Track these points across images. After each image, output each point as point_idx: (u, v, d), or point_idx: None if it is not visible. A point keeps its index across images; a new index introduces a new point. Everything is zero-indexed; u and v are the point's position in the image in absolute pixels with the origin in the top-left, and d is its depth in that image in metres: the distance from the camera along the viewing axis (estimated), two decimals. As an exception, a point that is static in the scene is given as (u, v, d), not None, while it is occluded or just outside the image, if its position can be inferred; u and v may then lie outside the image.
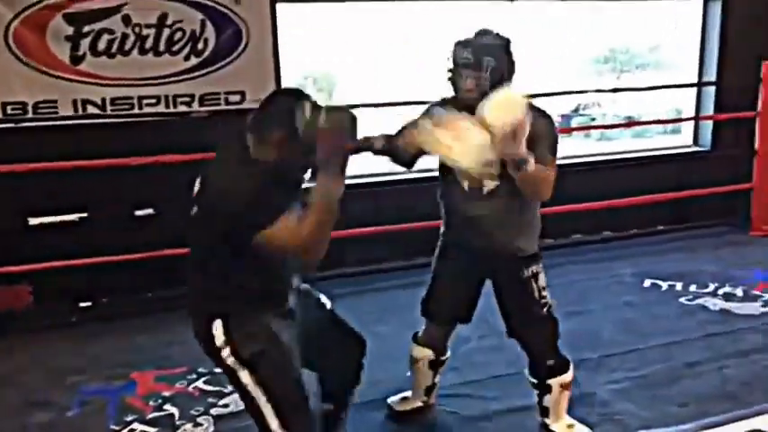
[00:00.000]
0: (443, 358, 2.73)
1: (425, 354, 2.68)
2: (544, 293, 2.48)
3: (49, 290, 3.98)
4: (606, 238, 5.19)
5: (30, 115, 4.02)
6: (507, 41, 2.27)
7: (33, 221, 3.74)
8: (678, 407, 2.77)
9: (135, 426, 2.73)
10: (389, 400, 2.81)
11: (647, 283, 4.20)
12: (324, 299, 2.23)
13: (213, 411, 2.82)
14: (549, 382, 2.52)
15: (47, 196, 3.89)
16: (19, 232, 3.84)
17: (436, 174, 2.48)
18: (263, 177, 1.76)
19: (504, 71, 2.23)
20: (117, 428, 2.72)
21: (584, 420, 2.66)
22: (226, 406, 2.82)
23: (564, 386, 2.53)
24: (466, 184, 2.34)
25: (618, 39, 7.10)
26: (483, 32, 2.28)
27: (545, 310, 2.48)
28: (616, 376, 3.04)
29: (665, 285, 4.15)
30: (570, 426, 2.59)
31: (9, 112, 4.00)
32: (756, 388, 2.90)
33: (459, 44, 2.25)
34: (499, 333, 2.71)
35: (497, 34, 2.28)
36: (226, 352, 1.87)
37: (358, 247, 4.43)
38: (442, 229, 2.57)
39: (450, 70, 2.26)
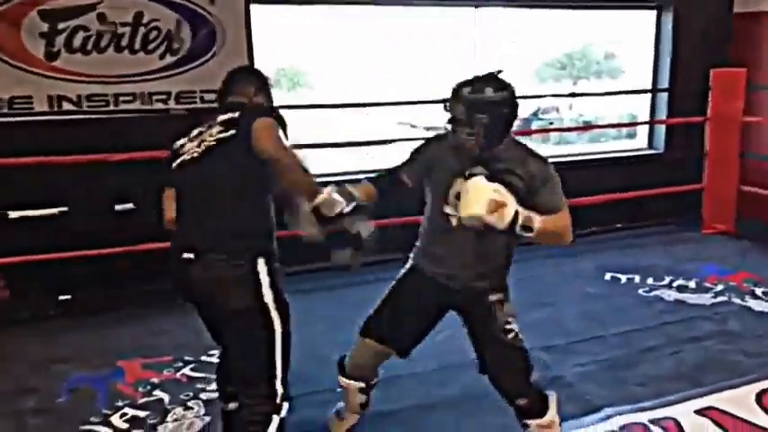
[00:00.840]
0: (374, 382, 2.54)
1: (355, 385, 2.48)
2: (510, 320, 2.32)
3: (27, 283, 3.99)
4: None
5: (5, 110, 4.02)
6: (507, 94, 2.11)
7: (13, 215, 3.75)
8: (638, 386, 2.99)
9: (126, 410, 2.81)
10: (329, 417, 2.65)
11: (608, 276, 4.46)
12: None
13: (203, 396, 2.92)
14: (527, 422, 2.32)
15: (27, 190, 3.91)
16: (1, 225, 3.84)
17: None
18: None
19: (499, 128, 2.11)
20: (109, 412, 2.80)
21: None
22: (214, 391, 2.90)
23: (543, 427, 2.30)
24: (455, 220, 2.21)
25: (574, 45, 7.42)
26: (483, 80, 2.11)
27: (510, 336, 2.29)
28: (581, 360, 3.25)
29: (624, 278, 4.41)
30: None
31: (-17, 107, 4.00)
32: (709, 370, 3.13)
33: (453, 96, 2.12)
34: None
35: (499, 83, 2.11)
36: (267, 292, 1.99)
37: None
38: (414, 251, 2.43)
39: (447, 120, 2.15)
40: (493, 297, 2.30)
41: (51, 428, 2.69)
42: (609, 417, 2.71)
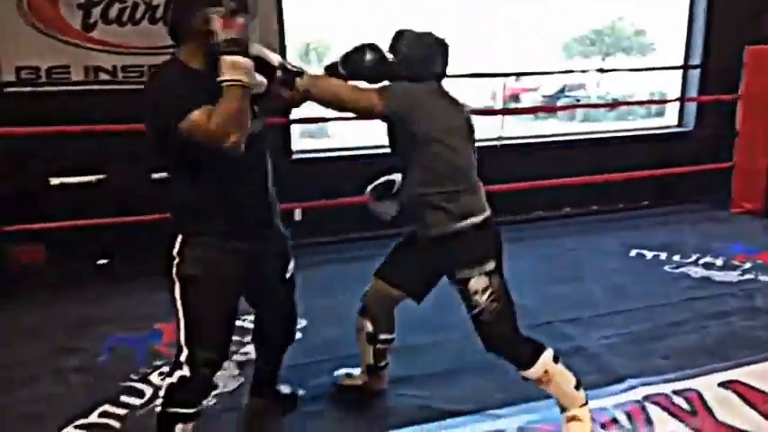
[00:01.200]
0: (383, 337, 2.64)
1: (366, 325, 2.61)
2: (476, 297, 2.32)
3: (68, 248, 4.14)
4: (594, 212, 5.45)
5: (43, 80, 4.14)
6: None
7: (54, 181, 3.88)
8: (662, 359, 3.02)
9: (164, 369, 2.92)
10: (336, 373, 2.82)
11: (633, 252, 4.47)
12: (291, 261, 2.38)
13: (235, 358, 3.03)
14: (521, 373, 2.38)
15: (66, 158, 4.02)
16: (40, 192, 3.97)
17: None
18: (174, 75, 1.97)
19: None
20: (147, 371, 2.93)
21: (577, 370, 2.90)
22: (246, 354, 3.02)
23: (539, 379, 2.35)
24: None
25: (604, 21, 7.31)
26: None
27: (479, 314, 2.34)
28: (606, 333, 3.29)
29: (649, 255, 4.42)
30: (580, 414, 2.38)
31: (23, 76, 4.11)
32: (733, 345, 3.15)
33: None
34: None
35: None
36: (174, 265, 2.10)
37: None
38: None
39: None
40: (459, 275, 2.32)
41: (94, 385, 2.81)
42: (632, 387, 2.75)
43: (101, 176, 3.97)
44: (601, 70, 6.97)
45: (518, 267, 4.13)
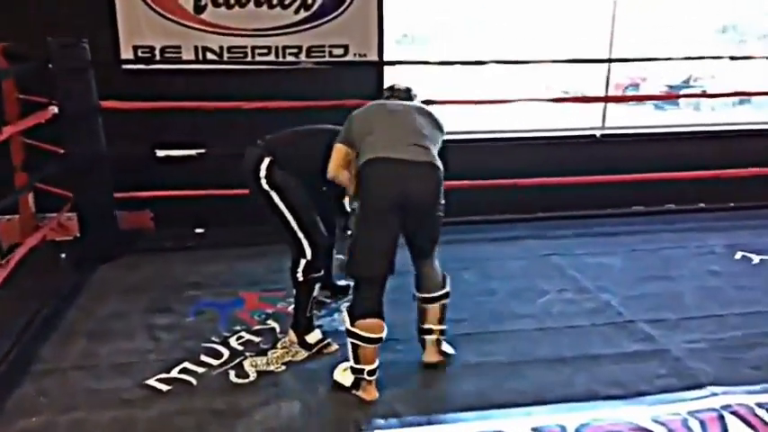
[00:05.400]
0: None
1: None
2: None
3: (171, 216, 4.46)
4: (701, 209, 5.11)
5: (157, 58, 4.44)
6: None
7: (160, 153, 4.17)
8: (751, 369, 2.82)
9: (243, 334, 3.10)
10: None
11: (739, 255, 4.16)
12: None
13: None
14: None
15: (172, 132, 4.31)
16: (147, 163, 4.29)
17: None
18: None
19: None
20: (227, 335, 3.10)
21: (652, 372, 2.78)
22: (320, 327, 3.12)
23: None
24: None
25: (739, 10, 6.73)
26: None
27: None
28: (692, 337, 3.11)
29: (756, 259, 4.09)
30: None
31: (139, 54, 4.43)
32: (836, 362, 2.89)
33: None
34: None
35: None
36: (263, 178, 2.84)
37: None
38: None
39: None
40: None
41: (179, 343, 3.03)
42: (713, 395, 2.60)
43: (202, 150, 4.21)
44: (733, 58, 6.38)
45: (607, 263, 4.02)
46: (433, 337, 2.81)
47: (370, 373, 2.58)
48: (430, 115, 2.73)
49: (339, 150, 2.70)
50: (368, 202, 2.53)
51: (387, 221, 2.50)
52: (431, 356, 2.83)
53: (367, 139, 2.59)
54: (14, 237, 4.13)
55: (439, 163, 2.58)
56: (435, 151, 2.62)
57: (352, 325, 2.55)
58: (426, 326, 2.80)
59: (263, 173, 2.84)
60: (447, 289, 2.80)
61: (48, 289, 3.56)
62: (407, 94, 2.90)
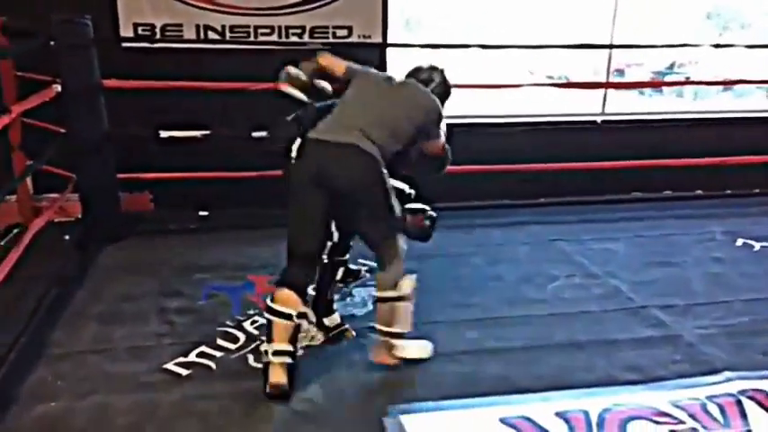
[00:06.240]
0: None
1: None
2: None
3: (173, 198, 4.38)
4: (698, 197, 5.18)
5: (158, 36, 4.34)
6: None
7: (164, 134, 4.09)
8: (762, 355, 2.87)
9: (256, 318, 3.07)
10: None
11: (740, 242, 4.22)
12: None
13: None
14: None
15: (175, 112, 4.22)
16: (146, 144, 4.20)
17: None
18: None
19: None
20: (240, 318, 3.08)
21: (668, 358, 2.82)
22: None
23: None
24: None
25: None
26: None
27: None
28: (702, 323, 3.15)
29: (757, 246, 4.16)
30: None
31: (140, 32, 4.33)
32: None
33: None
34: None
35: None
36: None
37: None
38: None
39: None
40: None
41: (193, 326, 3.00)
42: (728, 380, 2.63)
43: (206, 132, 4.14)
44: (716, 45, 6.47)
45: (612, 248, 4.05)
46: (378, 337, 2.69)
47: (276, 353, 2.47)
48: (419, 103, 2.64)
49: (337, 63, 2.76)
50: (290, 179, 2.51)
51: (306, 199, 2.47)
52: (375, 356, 2.73)
53: (335, 107, 2.63)
54: (12, 218, 4.04)
55: (373, 150, 2.45)
56: (390, 140, 2.53)
57: (272, 300, 2.52)
58: (375, 324, 2.71)
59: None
60: (399, 293, 2.60)
61: (53, 271, 3.49)
62: (428, 74, 2.79)
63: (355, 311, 3.17)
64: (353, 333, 2.95)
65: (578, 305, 3.31)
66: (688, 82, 6.48)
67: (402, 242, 2.62)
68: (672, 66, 7.04)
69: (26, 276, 3.30)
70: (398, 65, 4.70)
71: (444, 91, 2.78)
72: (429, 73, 2.78)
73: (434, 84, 2.76)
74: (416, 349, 2.73)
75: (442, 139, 2.78)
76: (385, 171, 2.50)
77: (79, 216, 4.09)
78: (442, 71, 2.81)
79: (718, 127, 5.30)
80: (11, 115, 3.30)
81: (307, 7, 4.48)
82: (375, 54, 4.60)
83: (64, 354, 2.74)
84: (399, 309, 2.61)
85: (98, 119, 3.90)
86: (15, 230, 3.83)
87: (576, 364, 2.77)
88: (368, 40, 4.60)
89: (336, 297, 3.26)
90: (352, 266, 3.43)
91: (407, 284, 2.61)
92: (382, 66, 4.64)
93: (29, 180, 4.16)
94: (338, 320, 2.96)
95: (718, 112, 5.55)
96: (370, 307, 3.18)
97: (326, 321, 2.93)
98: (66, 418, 2.34)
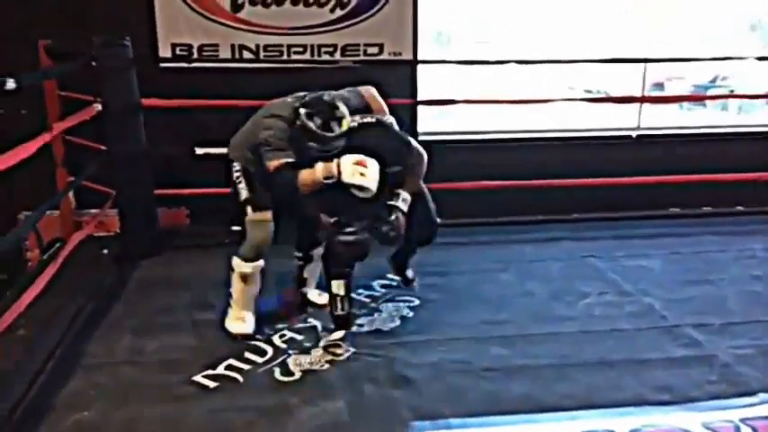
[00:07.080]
0: None
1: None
2: None
3: (208, 213, 4.48)
4: (739, 213, 5.04)
5: (195, 56, 4.46)
6: None
7: (199, 151, 4.20)
8: (802, 378, 2.78)
9: (285, 332, 3.11)
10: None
11: (783, 260, 4.10)
12: None
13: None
14: None
15: (210, 130, 4.32)
16: (183, 160, 4.32)
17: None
18: None
19: None
20: (270, 332, 3.12)
21: (702, 378, 2.75)
22: (362, 325, 3.12)
23: None
24: None
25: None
26: None
27: None
28: (739, 342, 3.05)
29: (802, 265, 4.03)
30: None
31: (177, 52, 4.46)
32: None
33: None
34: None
35: None
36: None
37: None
38: None
39: None
40: None
41: (223, 339, 3.06)
42: (764, 402, 2.56)
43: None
44: (761, 58, 6.32)
45: (646, 265, 3.98)
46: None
47: None
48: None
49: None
50: None
51: None
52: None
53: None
54: (55, 232, 4.19)
55: (233, 156, 3.24)
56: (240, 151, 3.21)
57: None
58: None
59: None
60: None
61: (91, 284, 3.61)
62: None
63: (383, 327, 3.18)
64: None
65: (609, 323, 3.25)
66: (722, 96, 6.37)
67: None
68: (714, 79, 6.90)
69: (65, 288, 3.42)
70: (429, 80, 4.78)
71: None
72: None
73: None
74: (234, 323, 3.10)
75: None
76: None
77: (118, 230, 4.21)
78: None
79: (759, 141, 5.17)
80: (52, 133, 3.44)
81: (338, 26, 4.56)
82: (407, 71, 4.65)
83: (98, 365, 2.83)
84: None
85: (137, 136, 4.03)
86: (57, 245, 3.97)
87: (606, 383, 2.72)
88: (398, 57, 4.65)
89: (363, 311, 3.30)
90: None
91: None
92: (413, 81, 4.68)
93: (71, 195, 4.31)
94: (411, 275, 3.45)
95: (759, 126, 5.40)
96: (398, 322, 3.20)
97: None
98: (99, 427, 2.41)
